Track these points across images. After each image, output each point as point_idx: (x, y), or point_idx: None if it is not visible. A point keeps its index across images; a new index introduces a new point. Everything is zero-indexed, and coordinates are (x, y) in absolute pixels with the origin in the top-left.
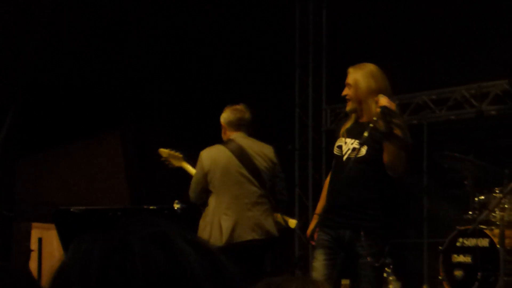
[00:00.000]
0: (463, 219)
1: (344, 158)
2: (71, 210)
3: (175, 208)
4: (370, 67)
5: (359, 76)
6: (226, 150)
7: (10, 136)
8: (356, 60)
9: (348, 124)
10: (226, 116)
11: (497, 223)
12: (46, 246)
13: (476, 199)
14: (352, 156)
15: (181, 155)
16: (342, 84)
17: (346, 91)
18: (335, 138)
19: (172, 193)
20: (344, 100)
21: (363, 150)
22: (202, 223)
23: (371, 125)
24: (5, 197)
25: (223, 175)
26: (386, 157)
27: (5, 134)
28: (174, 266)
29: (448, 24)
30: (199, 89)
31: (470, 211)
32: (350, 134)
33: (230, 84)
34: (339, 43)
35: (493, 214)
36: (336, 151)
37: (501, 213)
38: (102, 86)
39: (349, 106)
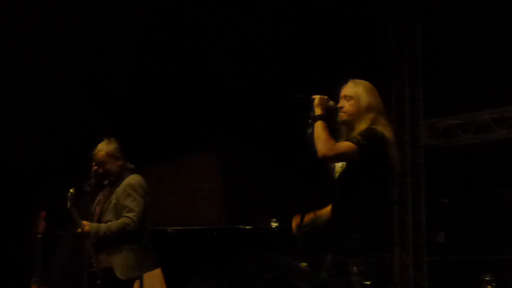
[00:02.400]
0: None
1: (336, 176)
2: (168, 230)
3: (273, 226)
4: (369, 84)
5: (361, 90)
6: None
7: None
8: (452, 74)
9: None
10: (117, 147)
11: None
12: None
13: None
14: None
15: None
16: (440, 98)
17: (343, 103)
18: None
19: (268, 212)
20: (441, 114)
21: (345, 165)
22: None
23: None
24: None
25: (149, 205)
26: None
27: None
28: None
29: None
30: (292, 106)
31: None
32: None
33: None
34: (434, 57)
35: None
36: (330, 171)
37: None
38: (198, 105)
39: (342, 117)
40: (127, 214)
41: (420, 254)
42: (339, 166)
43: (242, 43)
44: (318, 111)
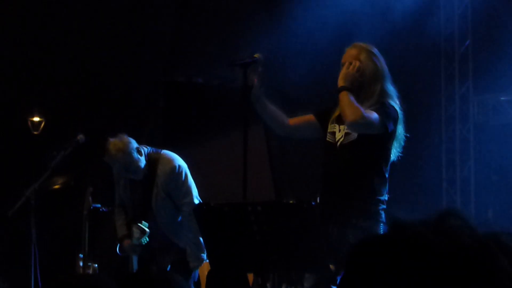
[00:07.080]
0: None
1: (338, 145)
2: (212, 204)
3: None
4: (371, 47)
5: (364, 57)
6: None
7: (153, 135)
8: (503, 49)
9: (338, 111)
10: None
11: None
12: None
13: None
14: (345, 142)
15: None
16: (490, 74)
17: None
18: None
19: (313, 187)
20: (492, 91)
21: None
22: None
23: None
24: None
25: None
26: None
27: (148, 133)
28: None
29: None
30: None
31: None
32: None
33: None
34: (484, 30)
35: None
36: (328, 137)
37: None
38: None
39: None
40: (185, 200)
41: None
42: (341, 134)
43: None
44: (341, 82)
